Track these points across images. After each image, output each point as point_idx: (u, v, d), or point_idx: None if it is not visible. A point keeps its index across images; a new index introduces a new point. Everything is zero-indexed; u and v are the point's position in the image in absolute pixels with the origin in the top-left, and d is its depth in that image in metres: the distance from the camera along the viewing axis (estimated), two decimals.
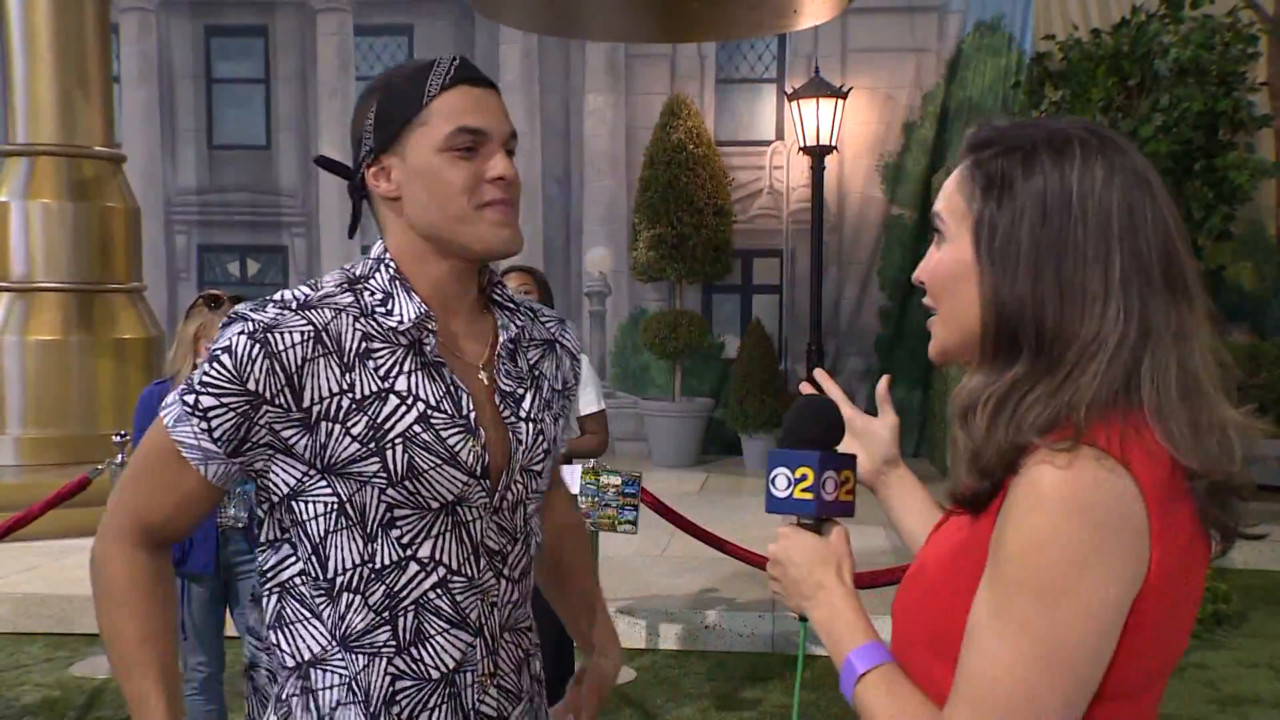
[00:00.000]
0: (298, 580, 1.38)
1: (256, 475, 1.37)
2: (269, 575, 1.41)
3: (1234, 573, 6.58)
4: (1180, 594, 1.03)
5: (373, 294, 1.39)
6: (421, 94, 1.37)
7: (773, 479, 1.24)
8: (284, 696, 1.39)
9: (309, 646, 1.38)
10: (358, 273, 1.42)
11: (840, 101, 9.31)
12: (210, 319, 3.23)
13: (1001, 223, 1.06)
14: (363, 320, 1.37)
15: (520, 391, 1.47)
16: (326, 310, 1.35)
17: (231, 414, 1.31)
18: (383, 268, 1.41)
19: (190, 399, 1.32)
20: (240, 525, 3.29)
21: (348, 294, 1.39)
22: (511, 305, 1.52)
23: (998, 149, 1.10)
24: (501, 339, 1.47)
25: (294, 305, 1.35)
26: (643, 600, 5.39)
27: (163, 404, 1.37)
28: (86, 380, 7.37)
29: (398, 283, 1.39)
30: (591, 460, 4.38)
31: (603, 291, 10.47)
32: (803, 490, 1.21)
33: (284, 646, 1.39)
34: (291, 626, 1.39)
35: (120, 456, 4.91)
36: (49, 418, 7.28)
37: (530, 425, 1.46)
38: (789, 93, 9.54)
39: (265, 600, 1.42)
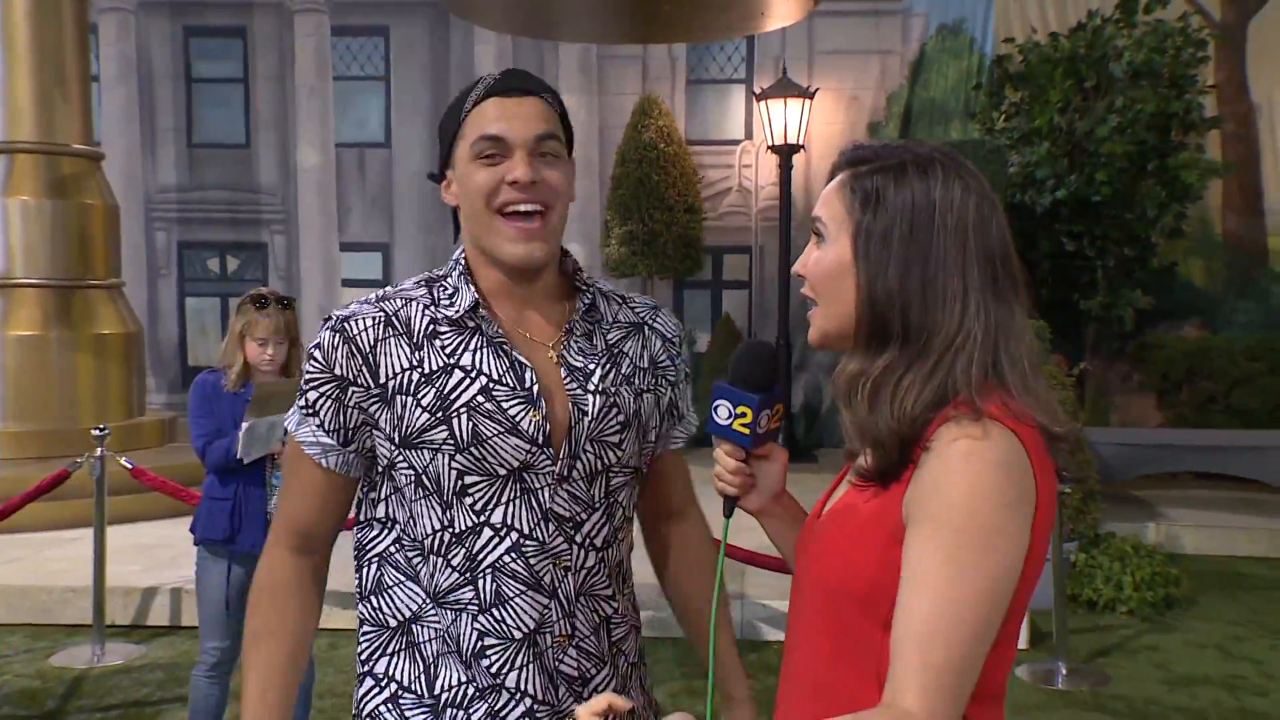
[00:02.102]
0: (393, 549, 1.51)
1: (369, 456, 1.51)
2: (367, 548, 1.54)
3: (1185, 558, 6.72)
4: (1049, 528, 1.21)
5: (445, 288, 1.51)
6: (461, 111, 1.49)
7: (715, 408, 1.40)
8: (390, 651, 1.52)
9: (407, 606, 1.50)
10: (439, 273, 1.55)
11: (807, 102, 9.42)
12: (255, 317, 3.37)
13: (876, 230, 1.24)
14: (431, 308, 1.49)
15: (591, 367, 1.52)
16: (398, 300, 1.50)
17: (330, 401, 1.46)
18: (457, 266, 1.52)
19: (303, 401, 1.48)
20: None
21: (422, 288, 1.52)
22: (593, 290, 1.59)
23: (874, 166, 1.27)
24: (574, 318, 1.55)
25: (372, 300, 1.50)
26: None
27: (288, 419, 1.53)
28: (66, 375, 7.38)
29: (465, 277, 1.50)
30: None
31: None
32: (741, 425, 1.38)
33: (385, 609, 1.52)
34: (390, 591, 1.51)
35: (100, 450, 4.99)
36: (29, 412, 7.29)
37: (599, 397, 1.51)
38: (757, 93, 9.64)
39: (364, 571, 1.54)
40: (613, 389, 1.53)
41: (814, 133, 9.88)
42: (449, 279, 1.52)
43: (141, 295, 10.52)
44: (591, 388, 1.50)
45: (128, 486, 5.39)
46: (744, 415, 1.38)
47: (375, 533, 1.54)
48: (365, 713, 1.53)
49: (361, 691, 1.55)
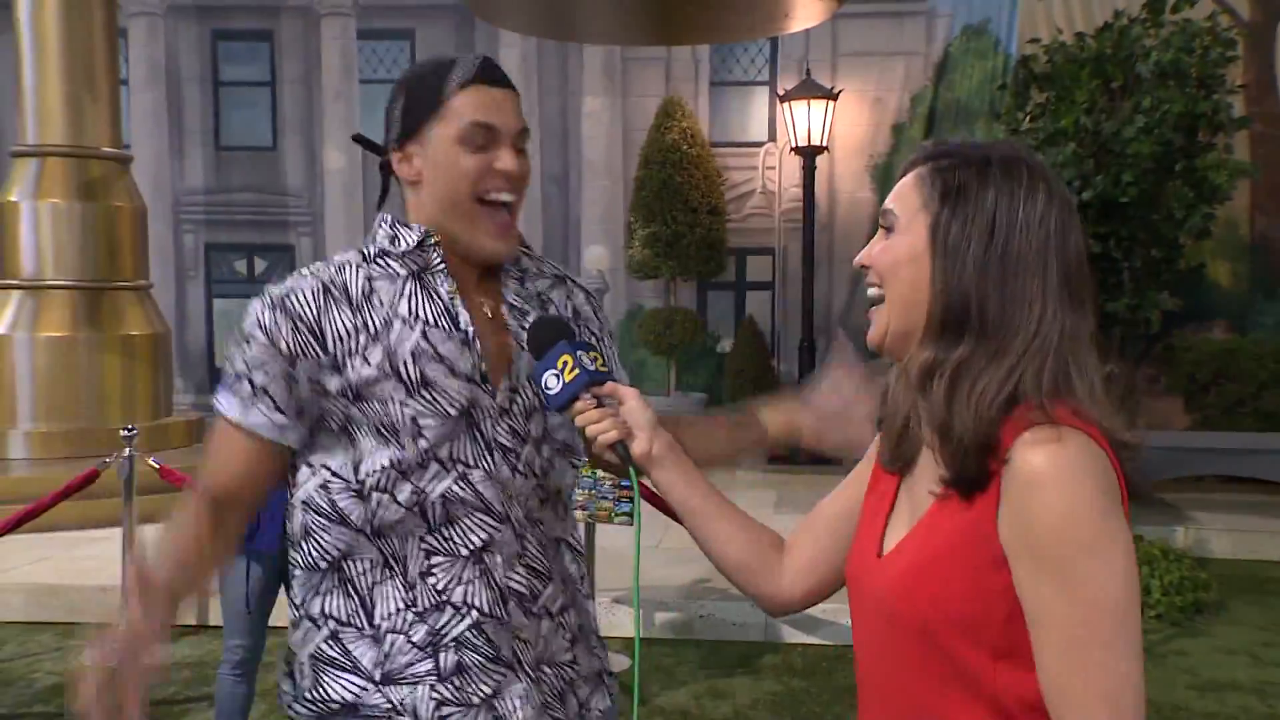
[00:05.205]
0: (316, 494, 1.54)
1: (317, 420, 1.53)
2: (295, 492, 1.58)
3: (1214, 562, 6.68)
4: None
5: (375, 241, 1.57)
6: (442, 91, 1.53)
7: (544, 386, 1.45)
8: (323, 591, 1.56)
9: (335, 546, 1.54)
10: (364, 240, 1.61)
11: (831, 103, 9.44)
12: None
13: (956, 222, 1.21)
14: (365, 265, 1.55)
15: (526, 308, 1.61)
16: (331, 268, 1.55)
17: (281, 380, 1.50)
18: (383, 224, 1.58)
19: (245, 386, 1.51)
20: None
21: (351, 251, 1.58)
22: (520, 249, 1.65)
23: (956, 160, 1.24)
24: (506, 264, 1.62)
25: (305, 273, 1.55)
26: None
27: (217, 403, 1.54)
28: (94, 376, 7.48)
29: (398, 225, 1.57)
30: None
31: (600, 289, 10.63)
32: (571, 372, 1.43)
33: (313, 553, 1.56)
34: (316, 535, 1.55)
35: (128, 450, 5.04)
36: (58, 412, 7.38)
37: None
38: (781, 95, 9.66)
39: (294, 518, 1.59)
40: None
41: (838, 134, 9.89)
42: (378, 234, 1.58)
43: (169, 297, 10.63)
44: (527, 324, 1.57)
45: (156, 486, 5.44)
46: (566, 364, 1.43)
47: (301, 476, 1.57)
48: (308, 653, 1.58)
49: (299, 634, 1.60)
